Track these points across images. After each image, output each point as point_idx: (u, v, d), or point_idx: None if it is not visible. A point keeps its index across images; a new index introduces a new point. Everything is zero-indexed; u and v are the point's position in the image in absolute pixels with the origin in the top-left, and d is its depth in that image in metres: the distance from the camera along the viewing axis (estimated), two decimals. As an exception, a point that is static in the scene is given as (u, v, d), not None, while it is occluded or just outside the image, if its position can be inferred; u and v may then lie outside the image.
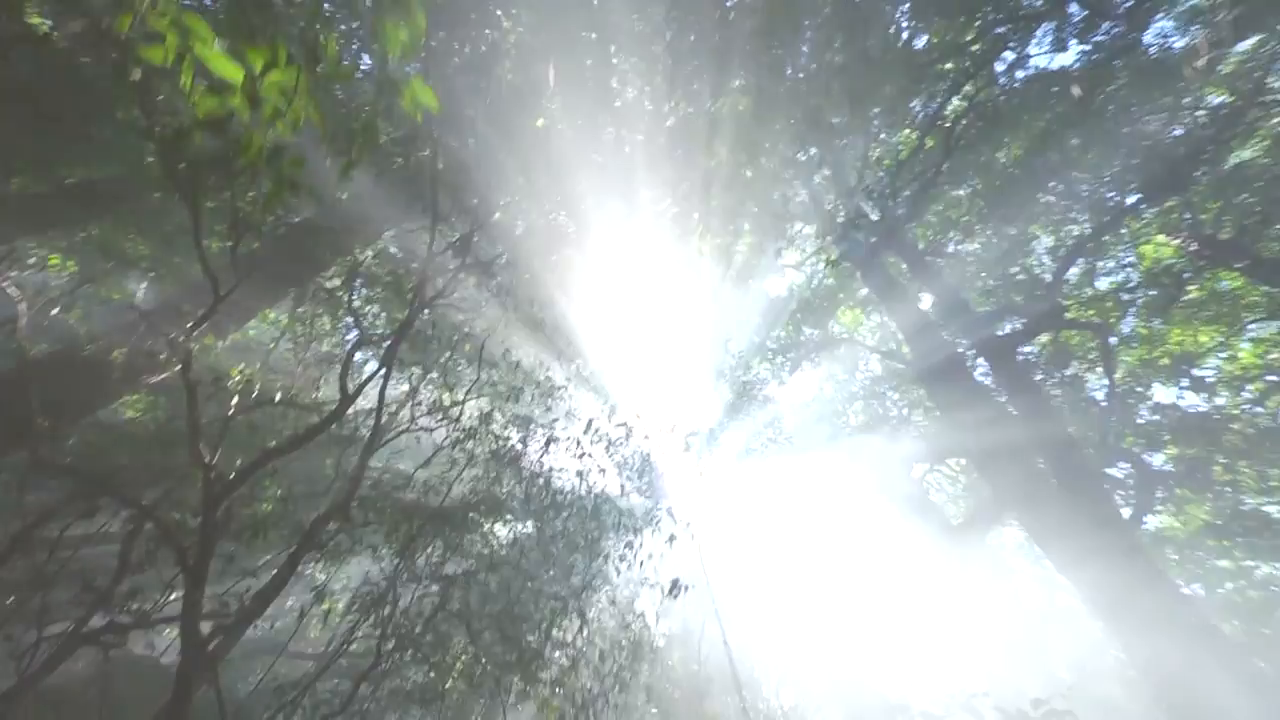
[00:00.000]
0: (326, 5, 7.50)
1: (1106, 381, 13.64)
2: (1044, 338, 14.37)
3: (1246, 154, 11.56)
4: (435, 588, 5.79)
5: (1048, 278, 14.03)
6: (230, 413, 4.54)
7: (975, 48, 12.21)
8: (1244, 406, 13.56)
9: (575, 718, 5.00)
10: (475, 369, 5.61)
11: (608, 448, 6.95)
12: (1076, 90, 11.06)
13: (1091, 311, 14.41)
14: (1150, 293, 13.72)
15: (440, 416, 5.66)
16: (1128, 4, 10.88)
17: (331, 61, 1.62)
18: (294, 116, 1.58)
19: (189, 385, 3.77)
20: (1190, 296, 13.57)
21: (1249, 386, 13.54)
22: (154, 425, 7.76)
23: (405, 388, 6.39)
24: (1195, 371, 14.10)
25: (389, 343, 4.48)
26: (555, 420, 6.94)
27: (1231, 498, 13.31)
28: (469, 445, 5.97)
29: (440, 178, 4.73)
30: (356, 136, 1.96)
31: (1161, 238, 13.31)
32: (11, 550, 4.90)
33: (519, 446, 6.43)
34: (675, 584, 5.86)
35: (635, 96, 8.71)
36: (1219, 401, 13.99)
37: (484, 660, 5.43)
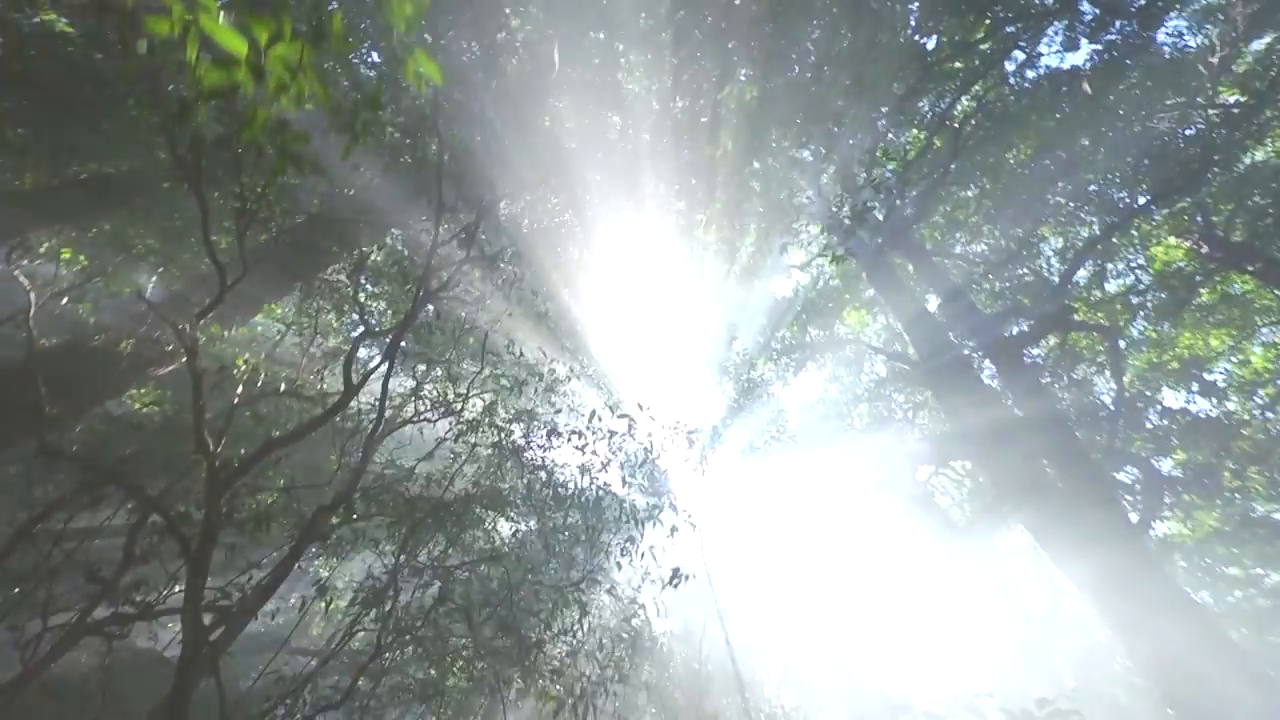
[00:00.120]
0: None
1: (1115, 385, 13.53)
2: (1052, 340, 14.26)
3: (1260, 155, 11.43)
4: (437, 583, 5.78)
5: (1056, 279, 13.92)
6: (235, 402, 4.55)
7: (985, 46, 12.12)
8: (1255, 412, 13.41)
9: (574, 707, 4.99)
10: (479, 361, 5.61)
11: (610, 438, 6.93)
12: (1087, 88, 10.96)
13: (1100, 314, 14.29)
14: (1160, 295, 13.60)
15: (443, 410, 5.66)
16: (1140, 2, 10.77)
17: (336, 36, 1.61)
18: (298, 90, 1.58)
19: (194, 373, 3.78)
20: (1201, 300, 13.43)
21: (1260, 391, 13.39)
22: (160, 418, 7.80)
23: (410, 384, 6.40)
24: (1205, 376, 13.96)
25: (392, 334, 4.48)
26: (559, 411, 6.93)
27: (1241, 504, 13.16)
28: (472, 438, 5.97)
29: (446, 169, 4.73)
30: (359, 111, 1.95)
31: (1172, 240, 13.17)
32: (18, 541, 4.93)
33: (522, 440, 6.43)
34: (676, 572, 5.84)
35: (640, 86, 8.69)
36: (1229, 406, 13.83)
37: (483, 653, 5.42)
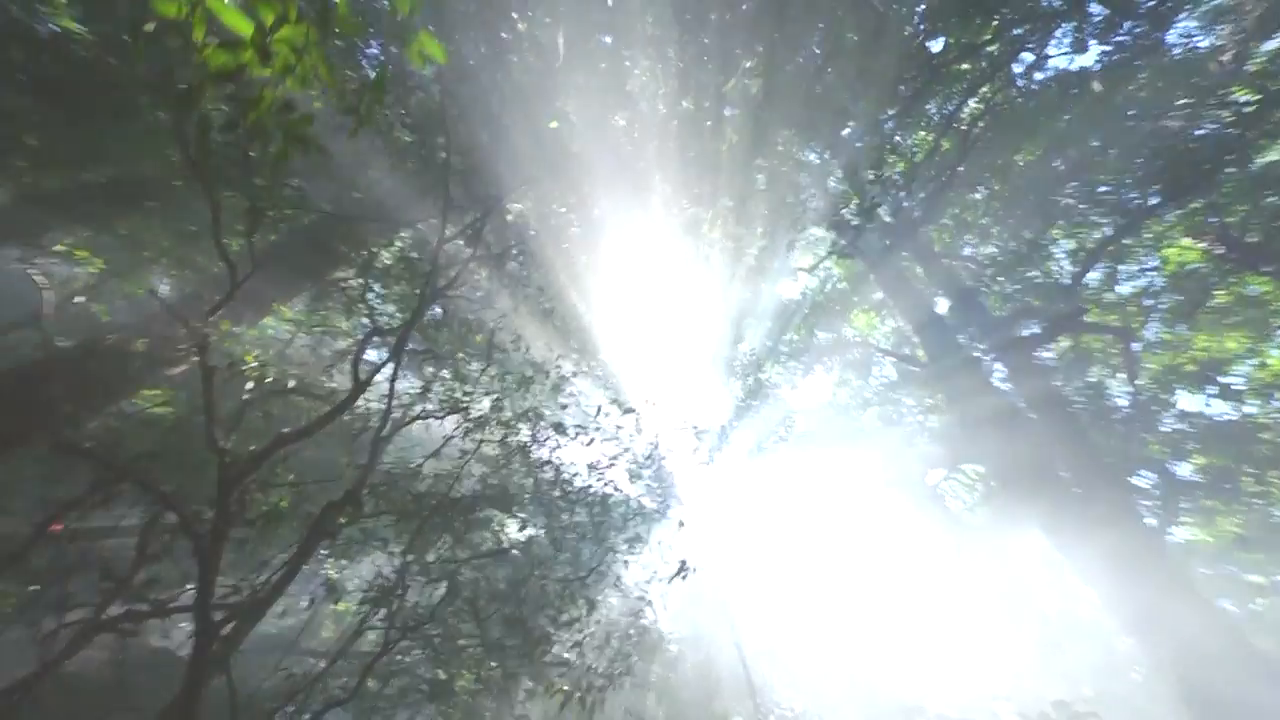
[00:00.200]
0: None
1: (1129, 388, 13.34)
2: (1064, 342, 14.09)
3: (1275, 154, 11.28)
4: (444, 582, 5.79)
5: (1067, 281, 13.78)
6: (245, 397, 4.60)
7: (992, 49, 12.07)
8: (1274, 415, 13.15)
9: (581, 699, 4.96)
10: (485, 358, 5.64)
11: (617, 432, 6.93)
12: (1097, 86, 10.87)
13: (1113, 316, 14.11)
14: (1175, 297, 13.42)
15: (450, 409, 5.69)
16: (1149, 3, 10.70)
17: (342, 18, 1.64)
18: (304, 71, 1.61)
19: (205, 369, 3.83)
20: (1217, 301, 13.23)
21: (1278, 394, 13.14)
22: (171, 420, 7.91)
23: (418, 383, 6.44)
24: (1222, 379, 13.72)
25: (400, 331, 4.52)
26: (565, 407, 6.95)
27: (1262, 509, 12.89)
28: (479, 435, 5.99)
29: (453, 167, 4.78)
30: (364, 93, 1.99)
31: (1186, 240, 12.99)
32: (36, 540, 5.01)
33: (528, 438, 6.44)
34: (683, 565, 5.81)
35: (645, 84, 8.72)
36: (1248, 410, 13.57)
37: (490, 649, 5.42)
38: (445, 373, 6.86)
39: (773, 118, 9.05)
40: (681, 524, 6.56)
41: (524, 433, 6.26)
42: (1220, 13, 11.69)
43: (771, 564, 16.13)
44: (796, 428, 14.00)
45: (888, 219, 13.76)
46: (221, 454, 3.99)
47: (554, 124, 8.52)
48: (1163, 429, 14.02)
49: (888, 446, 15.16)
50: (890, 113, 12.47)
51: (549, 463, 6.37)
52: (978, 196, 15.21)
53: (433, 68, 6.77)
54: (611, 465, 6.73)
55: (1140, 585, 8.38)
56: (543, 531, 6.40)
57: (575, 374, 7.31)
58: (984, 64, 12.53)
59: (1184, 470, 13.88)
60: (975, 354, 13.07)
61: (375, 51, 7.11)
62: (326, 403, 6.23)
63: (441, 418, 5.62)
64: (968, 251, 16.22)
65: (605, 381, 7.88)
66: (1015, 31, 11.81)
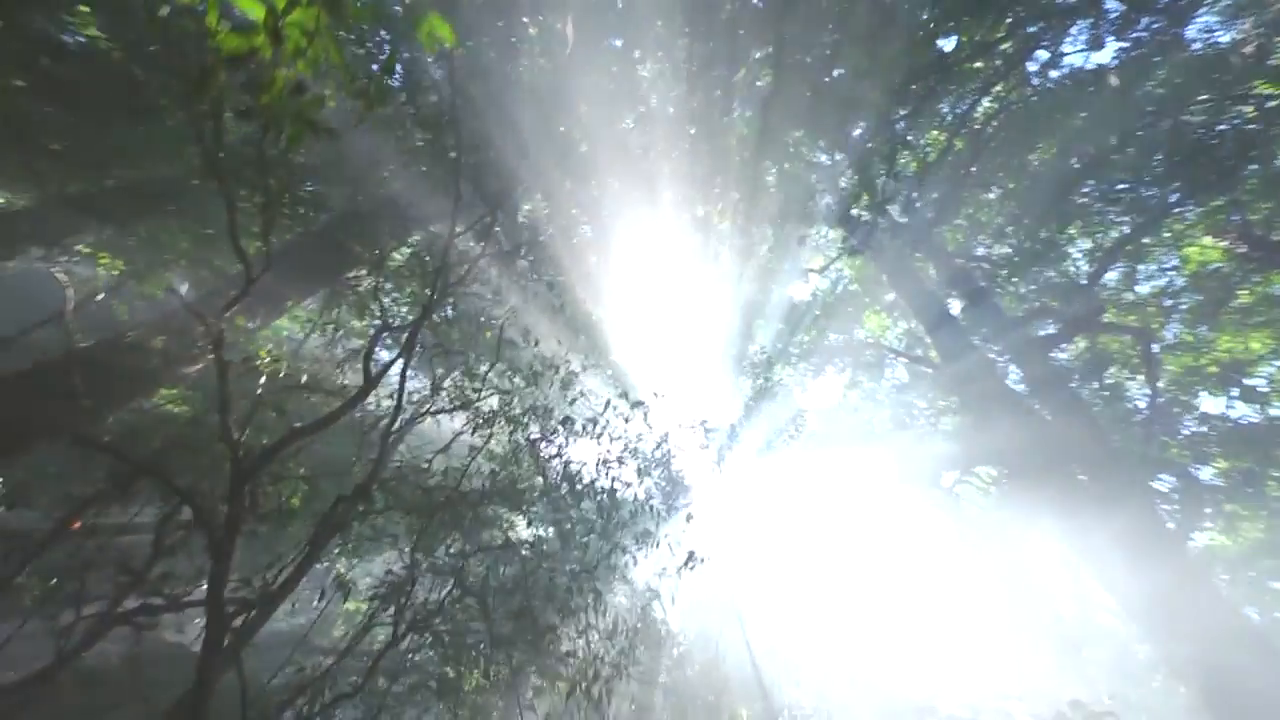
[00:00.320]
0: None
1: (1149, 390, 13.09)
2: (1081, 343, 13.86)
3: (1299, 150, 11.02)
4: (453, 580, 5.81)
5: (1084, 281, 13.57)
6: (259, 393, 4.66)
7: (1006, 46, 11.94)
8: (1300, 418, 12.84)
9: (588, 690, 4.95)
10: (495, 354, 5.67)
11: (626, 425, 6.92)
12: (1114, 81, 10.70)
13: (1132, 316, 13.86)
14: (1196, 297, 13.15)
15: (460, 403, 5.73)
16: (1167, -2, 10.53)
17: (352, 2, 1.66)
18: (315, 55, 1.63)
19: (220, 364, 3.89)
20: (1239, 301, 12.95)
21: (1304, 396, 12.83)
22: (187, 416, 8.05)
23: (429, 380, 6.49)
24: (1246, 380, 13.41)
25: (410, 327, 4.56)
26: (573, 401, 6.96)
27: (1288, 515, 12.58)
28: (488, 431, 6.02)
29: (463, 164, 4.82)
30: (373, 81, 2.01)
31: (1208, 239, 12.73)
32: (55, 536, 5.11)
33: (537, 434, 6.46)
34: (691, 555, 5.79)
35: (656, 79, 8.74)
36: (1272, 412, 13.26)
37: (499, 642, 5.43)
38: (456, 370, 6.90)
39: (783, 117, 9.03)
40: (690, 518, 6.54)
41: (533, 429, 6.29)
42: (1241, 7, 11.47)
43: (781, 563, 16.01)
44: (807, 428, 13.91)
45: (900, 219, 13.65)
46: (235, 448, 4.04)
47: (563, 127, 8.58)
48: (1184, 432, 13.74)
49: (900, 447, 15.00)
50: (902, 112, 12.38)
51: (558, 456, 6.39)
52: (991, 196, 15.03)
53: (443, 69, 6.84)
54: (620, 461, 6.73)
55: (1160, 588, 8.21)
56: (551, 528, 6.42)
57: (585, 369, 7.33)
58: (998, 62, 12.39)
59: (1206, 474, 13.59)
60: (989, 355, 12.90)
61: (386, 41, 7.18)
62: (338, 399, 6.29)
63: (451, 413, 5.65)
64: (981, 251, 16.02)
65: (615, 378, 7.89)
66: (1029, 29, 11.67)
